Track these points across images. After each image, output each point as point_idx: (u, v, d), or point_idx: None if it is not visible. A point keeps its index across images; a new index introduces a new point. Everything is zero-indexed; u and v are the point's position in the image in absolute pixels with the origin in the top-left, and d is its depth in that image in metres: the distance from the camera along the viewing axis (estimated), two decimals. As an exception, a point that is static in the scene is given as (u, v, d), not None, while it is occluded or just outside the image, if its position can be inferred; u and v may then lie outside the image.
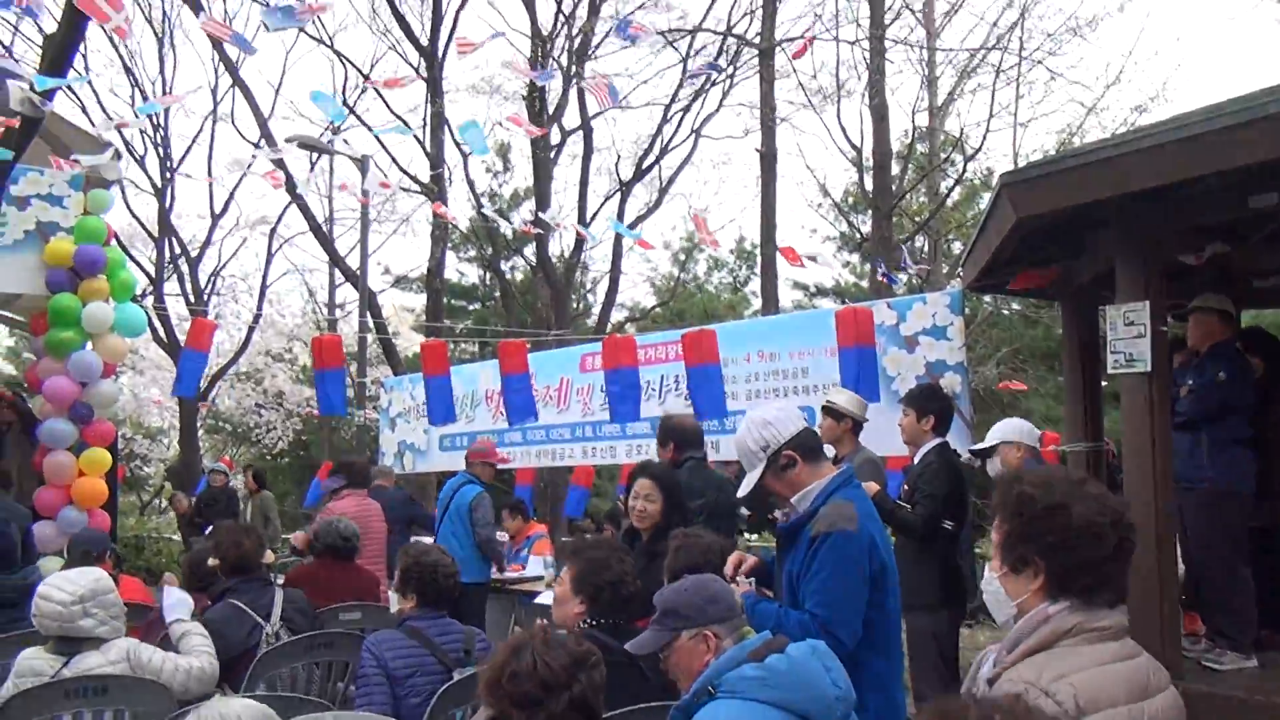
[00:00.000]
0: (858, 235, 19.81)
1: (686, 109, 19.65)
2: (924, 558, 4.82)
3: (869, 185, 15.15)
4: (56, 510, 8.01)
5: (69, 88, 15.53)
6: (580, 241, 19.72)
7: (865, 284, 21.70)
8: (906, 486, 5.04)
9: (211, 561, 4.89)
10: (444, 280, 21.10)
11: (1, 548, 4.71)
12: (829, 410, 5.42)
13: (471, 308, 27.68)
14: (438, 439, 10.93)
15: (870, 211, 15.47)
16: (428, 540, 6.51)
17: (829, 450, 4.78)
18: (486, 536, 7.40)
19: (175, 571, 6.81)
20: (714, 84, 18.60)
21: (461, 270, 27.44)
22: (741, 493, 3.28)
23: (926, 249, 18.23)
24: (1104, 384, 5.50)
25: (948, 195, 16.59)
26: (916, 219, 16.97)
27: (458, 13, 18.26)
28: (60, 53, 6.21)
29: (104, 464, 8.27)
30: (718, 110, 20.26)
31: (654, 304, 25.83)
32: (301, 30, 19.75)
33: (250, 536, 4.88)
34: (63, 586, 3.76)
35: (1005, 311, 17.13)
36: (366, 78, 19.78)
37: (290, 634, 4.54)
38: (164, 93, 19.69)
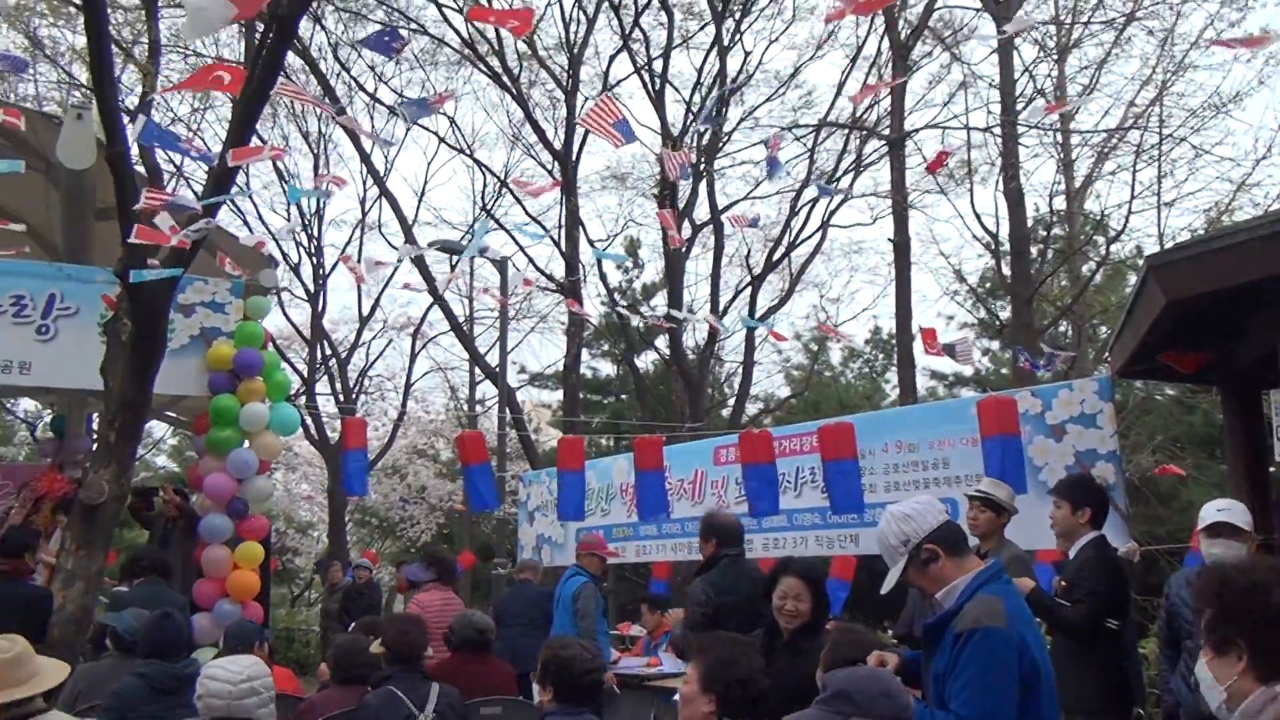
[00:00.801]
0: (996, 322, 19.34)
1: (815, 200, 19.71)
2: (1085, 660, 4.52)
3: (1006, 271, 14.80)
4: (213, 602, 8.32)
5: (231, 202, 16.59)
6: (713, 334, 19.80)
7: (1006, 371, 21.10)
8: (1063, 583, 4.77)
9: (375, 648, 4.96)
10: (579, 376, 21.43)
11: (166, 637, 4.86)
12: (986, 502, 5.19)
13: (606, 402, 27.95)
14: (574, 532, 10.97)
15: (1009, 298, 15.09)
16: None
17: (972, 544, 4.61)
18: (585, 628, 7.33)
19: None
20: (838, 183, 18.63)
21: (596, 365, 27.83)
22: (885, 588, 3.16)
23: (1070, 335, 17.64)
24: (1271, 470, 5.16)
25: (1090, 279, 16.06)
26: (1058, 304, 16.47)
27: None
28: (223, 176, 6.64)
29: (257, 557, 8.57)
30: (846, 200, 20.27)
31: (789, 395, 25.61)
32: (441, 140, 20.73)
33: (416, 627, 4.98)
34: (229, 668, 3.85)
35: (1159, 397, 16.36)
36: (503, 183, 20.52)
37: (441, 726, 4.59)
38: (318, 207, 20.83)
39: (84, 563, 6.69)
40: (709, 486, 9.69)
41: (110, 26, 7.12)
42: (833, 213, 20.13)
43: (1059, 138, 16.03)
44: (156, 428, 22.15)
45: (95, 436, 11.00)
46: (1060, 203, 16.80)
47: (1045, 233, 17.52)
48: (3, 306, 8.32)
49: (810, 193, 19.38)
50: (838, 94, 19.46)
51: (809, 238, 20.33)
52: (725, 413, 22.67)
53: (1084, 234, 16.95)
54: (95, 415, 12.83)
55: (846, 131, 18.95)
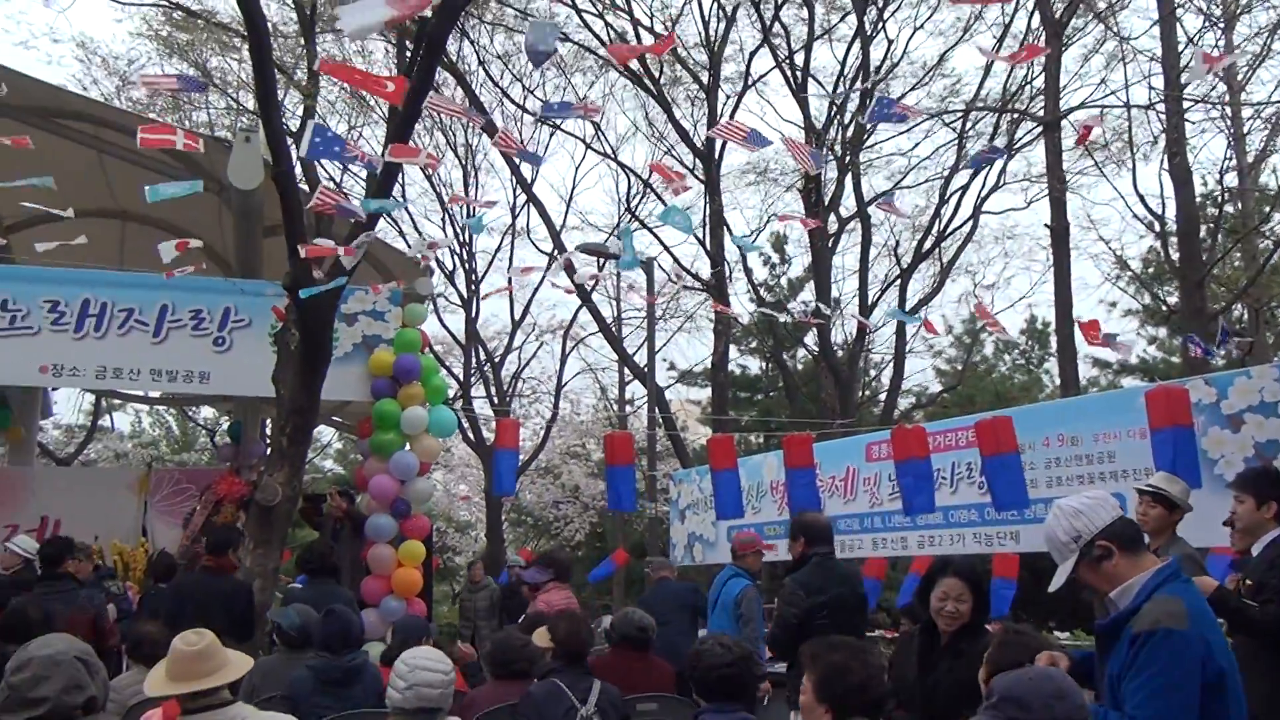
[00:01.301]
0: (1163, 308, 18.37)
1: (965, 187, 19.14)
2: (1275, 664, 4.23)
3: (1173, 254, 14.04)
4: (380, 599, 8.63)
5: (389, 214, 17.20)
6: (862, 329, 19.46)
7: (1175, 359, 20.00)
8: (1248, 581, 4.47)
9: (544, 643, 5.06)
10: (727, 374, 21.38)
11: (333, 631, 5.06)
12: (1158, 498, 4.91)
13: (756, 399, 27.81)
14: (725, 530, 10.95)
15: (1177, 282, 14.31)
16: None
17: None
18: (749, 634, 7.07)
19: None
20: (991, 162, 18.02)
21: (744, 362, 27.71)
22: (1054, 586, 3.03)
23: (1246, 319, 16.60)
24: None
25: (1268, 259, 15.05)
26: (1232, 287, 15.51)
27: (732, 114, 18.79)
28: (383, 186, 6.90)
29: (420, 556, 8.85)
30: (998, 186, 19.61)
31: (941, 389, 24.95)
32: (588, 146, 21.00)
33: (584, 625, 5.06)
34: (435, 660, 3.96)
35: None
36: (646, 184, 20.64)
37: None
38: (469, 215, 21.37)
39: (262, 560, 7.04)
40: (861, 484, 9.52)
41: (272, 53, 7.45)
42: (984, 198, 19.52)
43: (1228, 110, 15.10)
44: (324, 432, 23.19)
45: (269, 441, 11.59)
46: (1231, 179, 15.82)
47: (1215, 212, 16.54)
48: (183, 320, 8.83)
49: (960, 179, 18.84)
50: (985, 75, 18.85)
51: (960, 226, 19.77)
52: (876, 409, 22.25)
53: (1259, 212, 15.92)
54: (268, 421, 13.54)
55: (997, 114, 18.32)
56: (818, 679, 3.16)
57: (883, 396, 21.98)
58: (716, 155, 18.89)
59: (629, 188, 21.52)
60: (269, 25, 7.79)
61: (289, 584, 10.60)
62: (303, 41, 13.88)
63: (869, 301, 19.70)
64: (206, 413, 25.95)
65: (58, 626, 5.13)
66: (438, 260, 20.73)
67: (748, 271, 21.09)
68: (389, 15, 4.35)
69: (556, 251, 19.13)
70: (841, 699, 3.09)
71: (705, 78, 19.07)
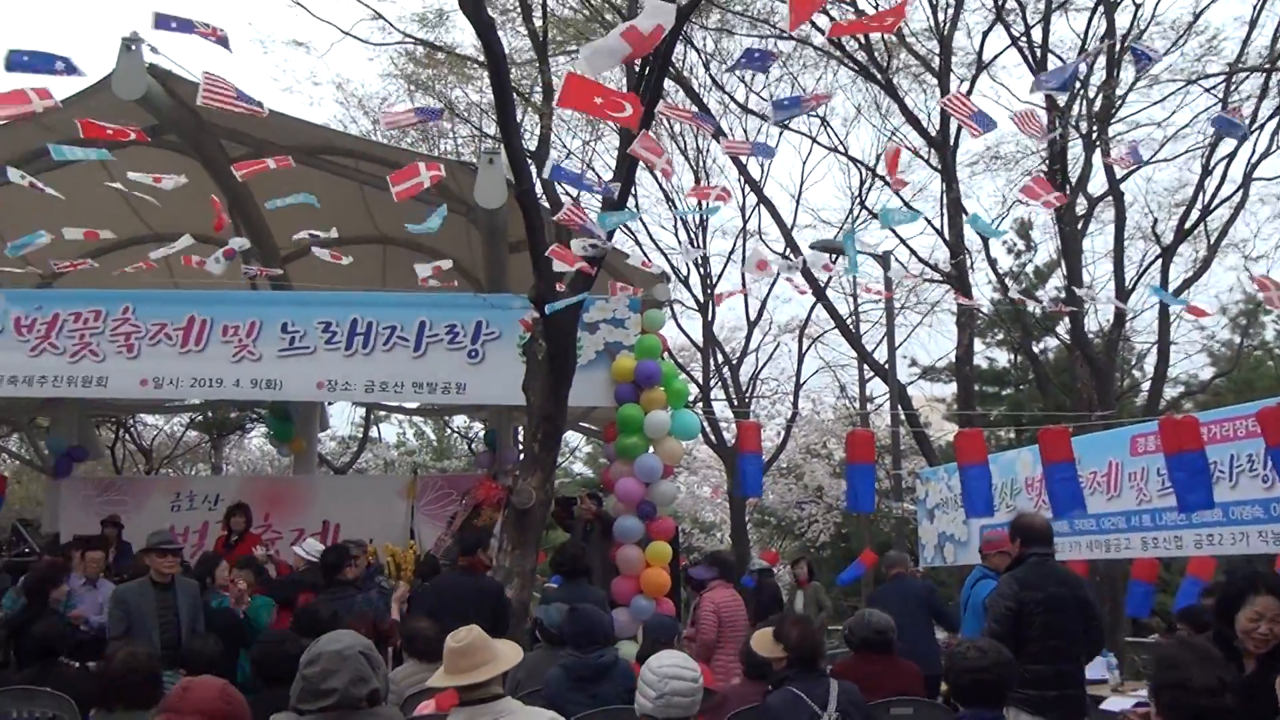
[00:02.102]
0: None
1: (1232, 155, 17.55)
2: None
3: None
4: (629, 599, 8.85)
5: (624, 224, 17.61)
6: (1120, 314, 18.23)
7: None
8: None
9: (770, 652, 5.02)
10: (973, 367, 20.56)
11: (582, 630, 5.23)
12: None
13: (1004, 393, 26.60)
14: (978, 529, 10.53)
15: None
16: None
17: None
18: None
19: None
20: (1262, 127, 16.48)
21: (991, 355, 26.56)
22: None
23: None
24: None
25: None
26: None
27: (966, 95, 18.05)
28: (618, 197, 7.08)
29: (666, 556, 9.02)
30: (1270, 150, 17.87)
31: (1213, 375, 23.01)
32: (814, 141, 20.77)
33: (813, 628, 5.00)
34: (686, 669, 3.94)
35: None
36: (875, 174, 20.18)
37: (844, 725, 4.56)
38: (700, 221, 21.60)
39: (519, 561, 7.38)
40: (1126, 479, 8.93)
41: (510, 79, 7.81)
42: (1255, 165, 17.84)
43: None
44: (572, 437, 23.95)
45: (521, 447, 12.12)
46: None
47: None
48: (439, 335, 9.40)
49: (1225, 148, 17.31)
50: (1251, 30, 17.21)
51: (1228, 198, 18.16)
52: (1138, 399, 20.78)
53: None
54: (520, 428, 14.16)
55: (1264, 74, 16.73)
56: (1161, 705, 2.94)
57: (1145, 386, 20.49)
58: (952, 142, 18.23)
59: (860, 180, 21.12)
60: (506, 53, 8.16)
61: (544, 584, 11.04)
62: (537, 64, 14.45)
63: (1126, 285, 18.42)
64: (459, 421, 27.42)
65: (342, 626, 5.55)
66: (673, 266, 21.06)
67: (991, 260, 20.20)
68: (626, 54, 4.49)
69: (789, 250, 19.02)
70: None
71: (935, 63, 18.45)
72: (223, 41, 5.86)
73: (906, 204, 19.17)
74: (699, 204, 21.46)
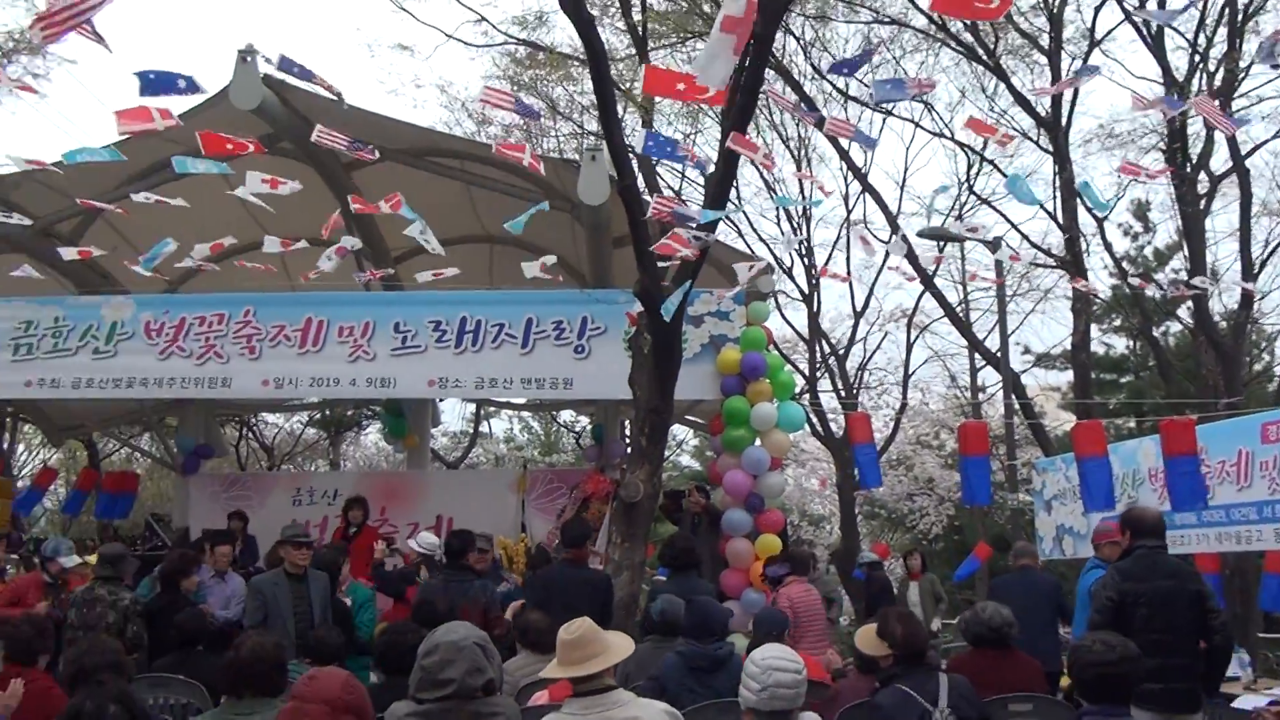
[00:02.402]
0: None
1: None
2: None
3: None
4: (739, 591, 8.83)
5: (726, 216, 17.55)
6: (1247, 296, 17.42)
7: None
8: None
9: (876, 650, 4.94)
10: (1090, 354, 19.91)
11: (698, 621, 5.25)
12: None
13: (1123, 380, 25.70)
14: (1099, 522, 10.20)
15: None
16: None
17: None
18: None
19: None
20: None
21: (1108, 341, 25.68)
22: None
23: None
24: None
25: None
26: None
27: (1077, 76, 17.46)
28: (719, 189, 7.06)
29: (776, 549, 8.96)
30: None
31: (1353, 358, 21.86)
32: (917, 125, 20.36)
33: (917, 624, 4.90)
34: (789, 661, 3.93)
35: None
36: (983, 158, 19.68)
37: (958, 720, 4.45)
38: (803, 210, 21.39)
39: (628, 554, 7.41)
40: (1257, 468, 8.54)
41: (610, 75, 7.85)
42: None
43: None
44: (679, 430, 24.00)
45: (628, 441, 12.17)
46: None
47: None
48: (546, 332, 9.51)
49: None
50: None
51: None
52: (1270, 384, 19.86)
53: None
54: (627, 421, 14.24)
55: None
56: None
57: (1277, 370, 19.58)
58: (1064, 122, 17.66)
59: (968, 165, 20.62)
60: (606, 49, 8.20)
61: (652, 576, 11.07)
62: (638, 60, 14.50)
63: (1253, 266, 17.58)
64: (566, 415, 27.72)
65: (458, 616, 5.68)
66: (776, 257, 20.91)
67: (1106, 244, 19.51)
68: (734, 43, 4.49)
69: (894, 238, 18.69)
70: None
71: (1044, 41, 17.88)
72: (338, 96, 6.09)
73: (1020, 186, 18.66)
74: (801, 192, 21.28)
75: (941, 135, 20.35)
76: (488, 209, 10.91)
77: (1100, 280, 20.75)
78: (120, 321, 9.73)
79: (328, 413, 23.31)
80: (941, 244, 16.91)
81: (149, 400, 12.52)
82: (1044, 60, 18.02)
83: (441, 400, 17.48)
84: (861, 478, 9.66)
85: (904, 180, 23.91)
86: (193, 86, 6.04)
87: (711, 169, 6.97)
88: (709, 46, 4.95)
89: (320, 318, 9.66)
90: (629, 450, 8.76)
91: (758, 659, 3.96)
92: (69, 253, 9.32)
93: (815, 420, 21.02)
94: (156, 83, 6.04)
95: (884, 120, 20.24)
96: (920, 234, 15.50)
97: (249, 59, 8.37)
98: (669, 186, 19.03)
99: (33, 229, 10.10)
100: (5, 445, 17.85)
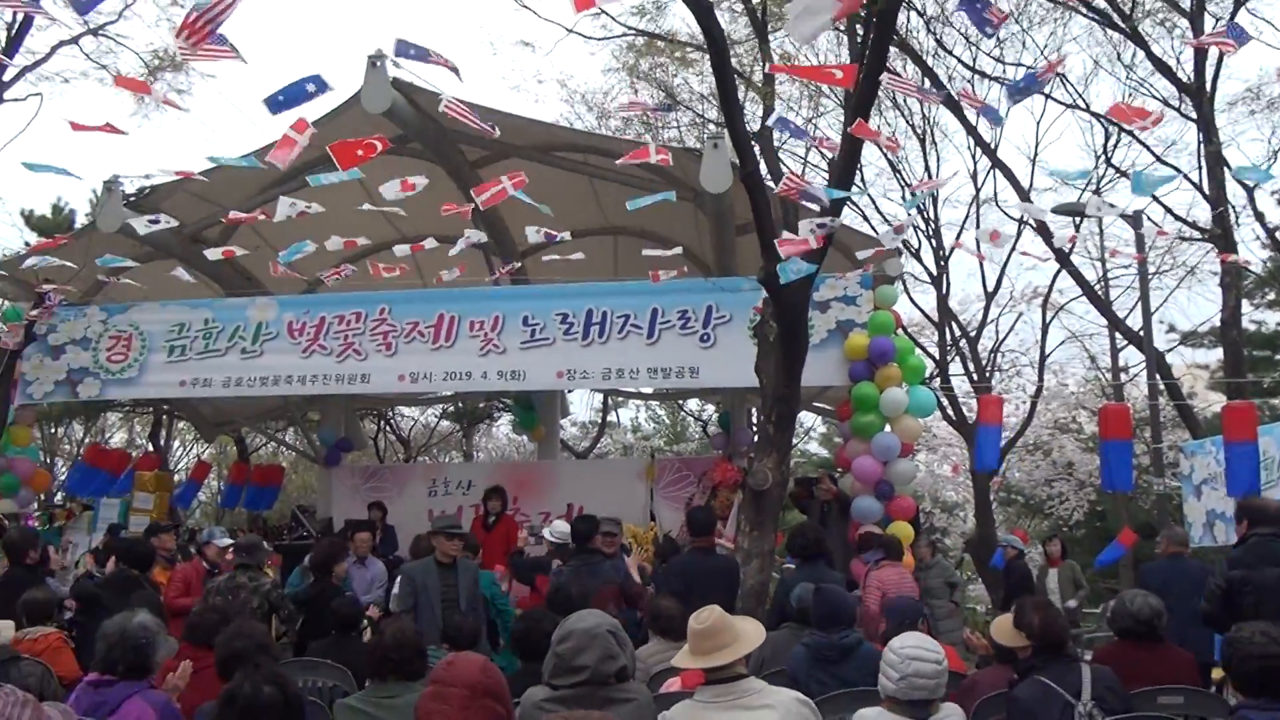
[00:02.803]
0: None
1: None
2: None
3: None
4: (873, 581, 8.69)
5: (850, 199, 17.26)
6: None
7: None
8: None
9: (1013, 641, 4.79)
10: (1241, 331, 18.91)
11: (825, 611, 5.19)
12: None
13: (1277, 358, 24.33)
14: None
15: None
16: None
17: None
18: None
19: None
20: None
21: (1260, 317, 24.33)
22: None
23: None
24: None
25: None
26: None
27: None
28: (844, 173, 6.96)
29: (908, 536, 8.83)
30: None
31: None
32: (1048, 98, 19.61)
33: (1058, 614, 4.75)
34: (929, 650, 3.89)
35: None
36: (1122, 129, 18.82)
37: (1103, 713, 4.28)
38: (930, 192, 20.85)
39: (757, 542, 7.39)
40: None
41: (730, 61, 7.80)
42: None
43: None
44: (806, 417, 23.76)
45: (756, 429, 12.13)
46: None
47: None
48: (671, 321, 9.54)
49: None
50: None
51: None
52: None
53: None
54: (754, 410, 14.18)
55: None
56: None
57: None
58: (1209, 87, 16.77)
59: (1105, 136, 19.77)
60: (725, 34, 8.16)
61: (781, 564, 11.01)
62: (757, 45, 14.38)
63: None
64: (692, 404, 27.74)
65: (590, 601, 5.77)
66: (904, 240, 20.48)
67: (1258, 213, 18.45)
68: (834, 11, 4.39)
69: (1026, 216, 18.07)
70: None
71: (1185, 2, 17.00)
72: (454, 70, 6.20)
73: (1160, 159, 17.89)
74: (926, 171, 20.79)
75: (1075, 107, 19.59)
76: (611, 201, 11.00)
77: (1252, 253, 19.67)
78: (265, 322, 10.18)
79: (460, 405, 23.88)
80: (1078, 220, 16.31)
81: (293, 396, 13.07)
82: (1185, 24, 17.13)
83: (570, 391, 17.76)
84: (978, 458, 9.41)
85: (1036, 154, 23.03)
86: (321, 86, 6.23)
87: (834, 155, 6.88)
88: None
89: (452, 313, 9.91)
90: (756, 438, 8.72)
91: (897, 647, 3.92)
92: (214, 253, 9.79)
93: (946, 404, 20.53)
94: (286, 101, 6.24)
95: (1015, 101, 19.56)
96: (1055, 210, 14.96)
97: (378, 64, 8.62)
98: (791, 173, 18.83)
99: (181, 234, 10.66)
100: (162, 441, 18.88)
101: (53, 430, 23.99)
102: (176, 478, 16.65)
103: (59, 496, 18.44)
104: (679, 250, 9.62)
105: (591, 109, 20.98)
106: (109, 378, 10.39)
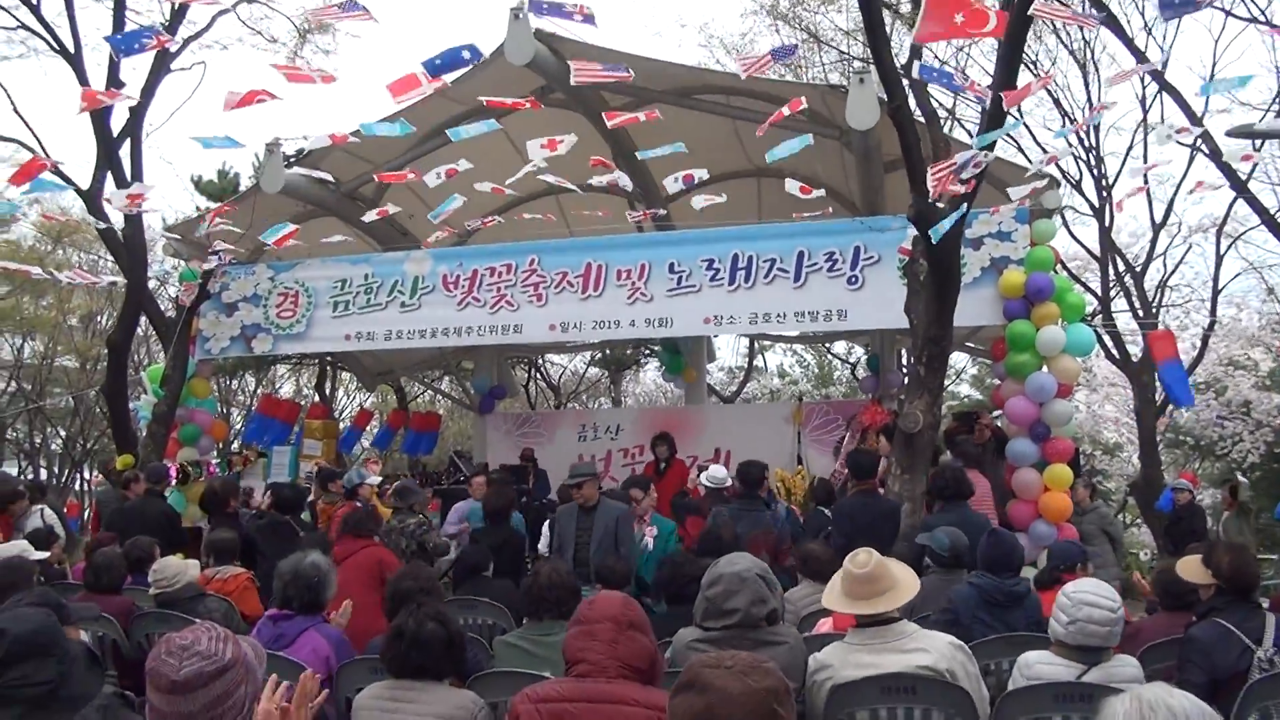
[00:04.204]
0: None
1: None
2: None
3: None
4: (1027, 524, 8.46)
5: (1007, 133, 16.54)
6: None
7: None
8: None
9: (1199, 578, 4.59)
10: None
11: (998, 554, 5.07)
12: None
13: None
14: None
15: None
16: None
17: None
18: None
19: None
20: None
21: None
22: None
23: None
24: None
25: None
26: None
27: None
28: (996, 112, 6.66)
29: (1067, 480, 8.51)
30: None
31: None
32: (1228, 14, 18.26)
33: (1251, 560, 4.53)
34: (1103, 600, 3.78)
35: None
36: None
37: (1286, 662, 4.09)
38: (1087, 118, 19.78)
39: (908, 486, 7.29)
40: None
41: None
42: None
43: None
44: (958, 358, 23.16)
45: (906, 371, 11.88)
46: None
47: None
48: (818, 264, 9.37)
49: None
50: None
51: None
52: None
53: None
54: (903, 351, 13.90)
55: None
56: None
57: None
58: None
59: (1286, 53, 18.33)
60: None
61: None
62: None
63: None
64: (839, 347, 27.36)
65: (744, 545, 5.80)
66: (1062, 171, 19.55)
67: None
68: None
69: (1198, 141, 16.96)
70: None
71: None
72: (589, 19, 6.18)
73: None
74: (1088, 99, 19.73)
75: (1256, 22, 18.19)
76: (753, 142, 10.85)
77: None
78: (421, 276, 10.47)
79: (608, 352, 24.20)
80: (1257, 144, 15.19)
81: (449, 347, 13.49)
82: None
83: (716, 336, 17.75)
84: (1170, 397, 8.93)
85: (1212, 75, 21.55)
86: (475, 54, 6.37)
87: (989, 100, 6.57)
88: None
89: (599, 262, 9.98)
90: (906, 380, 8.55)
91: (1070, 591, 3.83)
92: (369, 215, 10.12)
93: (1109, 342, 19.63)
94: (442, 66, 6.41)
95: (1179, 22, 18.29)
96: (1230, 133, 13.99)
97: (520, 15, 8.67)
98: (941, 106, 18.15)
99: (338, 192, 11.05)
100: (328, 391, 19.79)
101: (227, 382, 25.43)
102: (341, 426, 17.44)
103: (235, 444, 19.62)
104: (822, 192, 9.43)
105: (729, 52, 20.70)
106: (280, 333, 10.91)
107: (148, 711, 2.38)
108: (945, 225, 6.43)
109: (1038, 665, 3.85)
